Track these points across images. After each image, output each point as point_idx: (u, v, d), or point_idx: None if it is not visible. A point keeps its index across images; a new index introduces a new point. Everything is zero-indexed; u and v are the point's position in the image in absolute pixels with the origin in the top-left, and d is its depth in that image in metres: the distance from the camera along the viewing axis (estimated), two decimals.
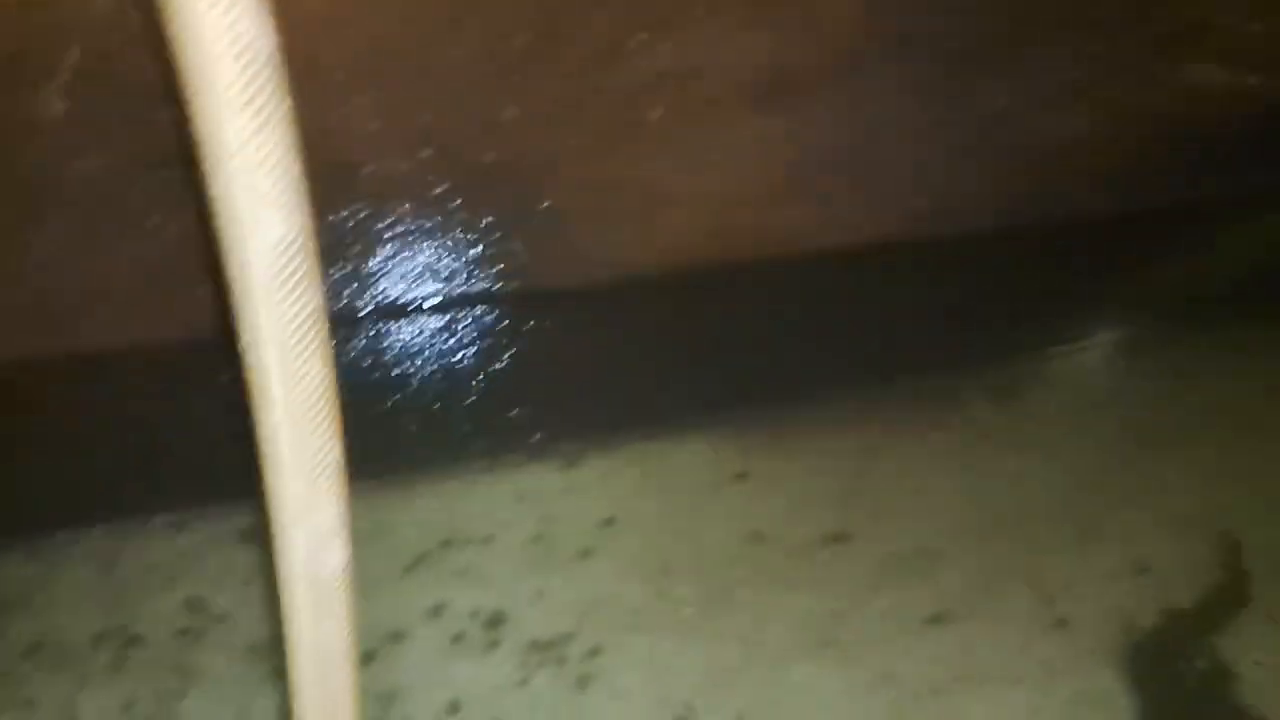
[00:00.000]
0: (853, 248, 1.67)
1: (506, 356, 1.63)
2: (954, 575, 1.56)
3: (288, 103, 0.48)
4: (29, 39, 1.15)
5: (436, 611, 1.50)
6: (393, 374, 1.60)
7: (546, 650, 1.46)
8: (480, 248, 1.51)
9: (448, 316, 1.56)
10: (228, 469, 1.48)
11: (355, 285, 1.49)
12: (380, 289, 1.50)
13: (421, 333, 1.57)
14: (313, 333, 0.54)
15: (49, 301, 1.38)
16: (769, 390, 1.81)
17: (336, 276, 1.46)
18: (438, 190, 1.45)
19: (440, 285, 1.53)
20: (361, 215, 1.44)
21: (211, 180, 0.49)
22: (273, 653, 1.43)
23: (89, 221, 1.33)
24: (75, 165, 1.26)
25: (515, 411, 1.70)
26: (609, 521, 1.64)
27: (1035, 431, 1.80)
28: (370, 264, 1.48)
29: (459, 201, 1.47)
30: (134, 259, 1.38)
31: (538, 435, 1.71)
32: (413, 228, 1.47)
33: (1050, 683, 1.41)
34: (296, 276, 0.52)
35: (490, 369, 1.64)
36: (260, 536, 1.56)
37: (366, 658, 1.44)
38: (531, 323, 1.62)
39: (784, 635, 1.48)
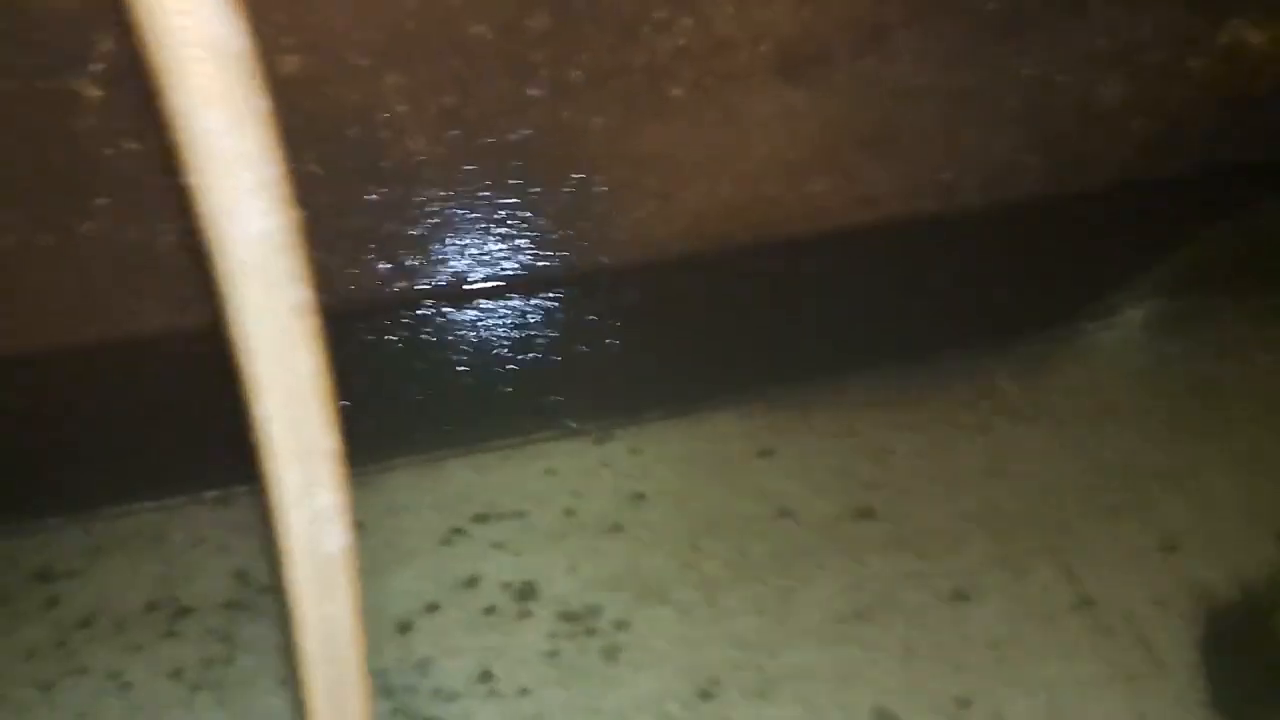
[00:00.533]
0: (881, 222, 1.66)
1: (535, 335, 1.65)
2: (978, 552, 1.56)
3: (262, 99, 0.50)
4: (61, 28, 1.18)
5: (470, 583, 1.54)
6: (424, 354, 1.63)
7: (576, 622, 1.49)
8: (507, 228, 1.53)
9: (476, 296, 1.59)
10: None
11: (387, 267, 1.52)
12: (409, 271, 1.53)
13: (451, 313, 1.60)
14: (299, 323, 0.56)
15: (92, 285, 1.42)
16: (796, 367, 1.80)
17: (366, 259, 1.49)
18: (464, 170, 1.47)
19: (468, 265, 1.55)
20: (391, 198, 1.46)
21: (191, 175, 0.51)
22: None
23: (129, 205, 1.37)
24: (113, 149, 1.30)
25: (545, 389, 1.72)
26: (638, 497, 1.66)
27: (1064, 409, 1.78)
28: (399, 246, 1.50)
29: (486, 182, 1.49)
30: (174, 241, 1.41)
31: (568, 412, 1.74)
32: (441, 209, 1.49)
33: (1073, 660, 1.40)
34: (279, 269, 0.54)
35: (519, 347, 1.66)
36: None
37: (402, 627, 1.48)
38: (559, 301, 1.63)
39: (809, 610, 1.49)
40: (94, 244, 1.39)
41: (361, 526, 1.61)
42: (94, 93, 1.23)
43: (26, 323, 1.43)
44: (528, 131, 1.45)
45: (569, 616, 1.49)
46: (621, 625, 1.48)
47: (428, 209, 1.48)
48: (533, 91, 1.41)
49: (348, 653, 0.73)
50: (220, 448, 1.66)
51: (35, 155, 1.28)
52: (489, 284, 1.57)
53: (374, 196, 1.45)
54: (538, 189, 1.51)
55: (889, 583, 1.52)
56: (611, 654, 1.45)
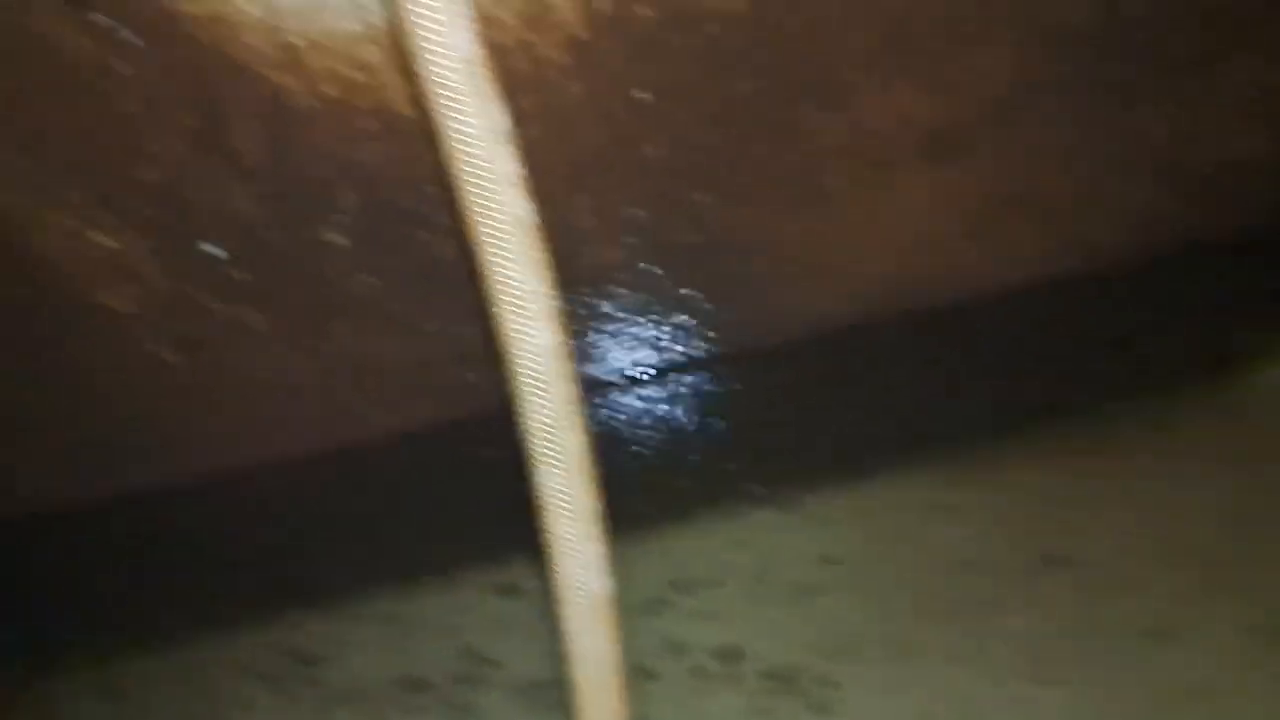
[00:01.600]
0: (1033, 285, 1.74)
1: (718, 414, 1.78)
2: (1166, 592, 1.57)
3: (545, 255, 0.67)
4: (311, 185, 1.42)
5: (677, 649, 1.63)
6: (617, 437, 1.78)
7: (783, 680, 1.55)
8: (687, 318, 1.68)
9: (664, 382, 1.73)
10: (488, 532, 1.71)
11: (579, 359, 1.69)
12: (601, 361, 1.69)
13: (641, 399, 1.74)
14: (572, 412, 0.72)
15: (331, 395, 1.64)
16: (964, 426, 1.86)
17: None
18: (646, 271, 1.63)
19: (654, 354, 1.70)
20: (583, 298, 1.63)
21: (493, 306, 0.68)
22: (541, 693, 1.61)
23: (369, 327, 1.58)
24: (355, 280, 1.52)
25: (731, 463, 1.84)
26: (826, 559, 1.74)
27: (1239, 447, 1.77)
28: (591, 340, 1.67)
29: (665, 279, 1.64)
30: (409, 357, 1.62)
31: (753, 484, 1.85)
32: (626, 306, 1.65)
33: (1274, 692, 1.41)
34: (556, 373, 0.70)
35: (704, 426, 1.79)
36: (519, 590, 1.76)
37: None
38: (739, 380, 1.76)
39: (1005, 656, 1.53)
40: (334, 358, 1.60)
41: None
42: (340, 240, 1.45)
43: (278, 431, 1.65)
44: (699, 233, 1.61)
45: (774, 676, 1.56)
46: (824, 682, 1.54)
47: (612, 304, 1.65)
48: (701, 198, 1.57)
49: (608, 677, 0.87)
50: (441, 536, 1.85)
51: (292, 287, 1.51)
52: (673, 372, 1.72)
53: (568, 298, 1.63)
54: (707, 279, 1.66)
55: (1080, 626, 1.55)
56: (822, 709, 1.51)
